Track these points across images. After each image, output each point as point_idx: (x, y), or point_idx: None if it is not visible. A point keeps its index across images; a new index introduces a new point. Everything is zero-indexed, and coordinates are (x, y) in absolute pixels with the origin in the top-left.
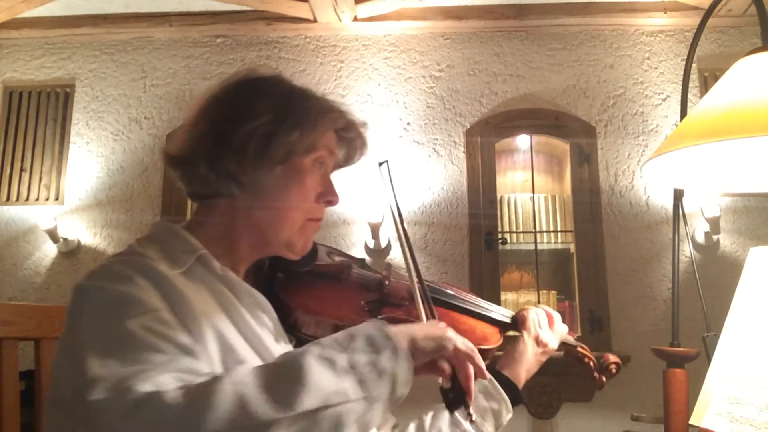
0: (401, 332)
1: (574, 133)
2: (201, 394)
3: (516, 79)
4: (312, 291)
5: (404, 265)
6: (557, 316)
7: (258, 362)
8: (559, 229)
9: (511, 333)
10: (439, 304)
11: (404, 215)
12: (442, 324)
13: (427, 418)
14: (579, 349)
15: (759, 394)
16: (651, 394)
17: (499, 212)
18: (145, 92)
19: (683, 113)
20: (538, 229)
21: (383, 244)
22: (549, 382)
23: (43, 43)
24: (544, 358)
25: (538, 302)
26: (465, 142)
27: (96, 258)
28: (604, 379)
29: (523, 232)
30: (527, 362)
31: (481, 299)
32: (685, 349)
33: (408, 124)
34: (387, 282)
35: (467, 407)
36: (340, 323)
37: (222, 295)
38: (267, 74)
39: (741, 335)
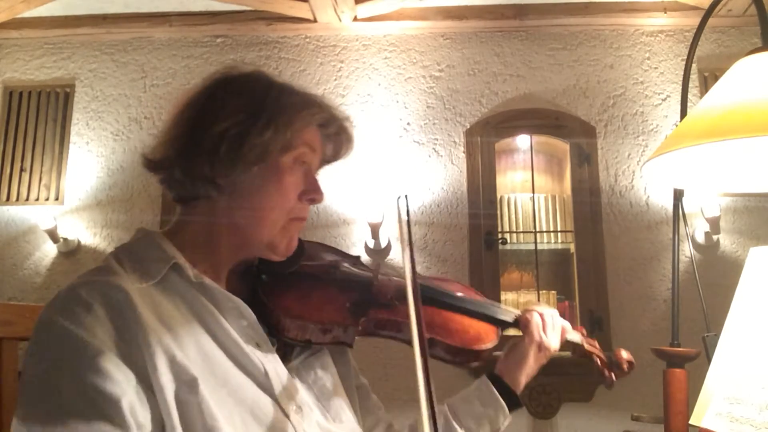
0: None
1: (574, 133)
2: None
3: (516, 79)
4: (295, 293)
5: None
6: (560, 319)
7: (236, 371)
8: (559, 229)
9: (511, 332)
10: (432, 303)
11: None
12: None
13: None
14: (586, 346)
15: (759, 394)
16: (651, 394)
17: (499, 212)
18: (145, 92)
19: (683, 113)
20: (538, 229)
21: (383, 244)
22: (549, 382)
23: (43, 43)
24: (545, 361)
25: (538, 302)
26: (465, 142)
27: (96, 258)
28: (614, 376)
29: (523, 232)
30: (528, 367)
31: (480, 296)
32: (685, 349)
33: (408, 124)
34: (374, 282)
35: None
36: (323, 326)
37: (198, 304)
38: (244, 71)
39: (741, 335)
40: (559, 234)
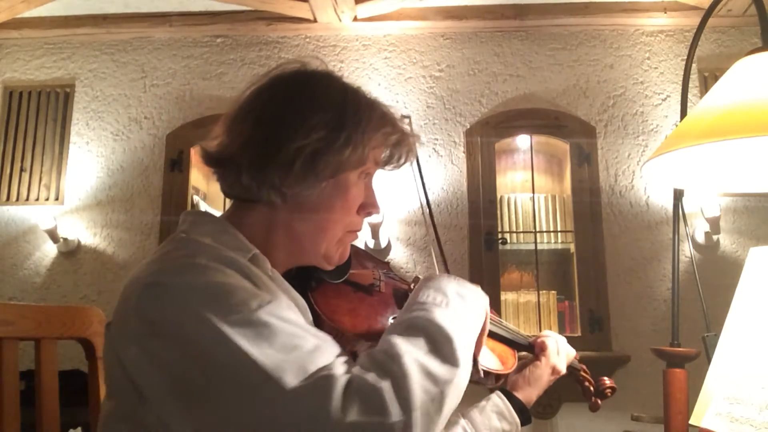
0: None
1: (574, 133)
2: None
3: (516, 79)
4: (345, 305)
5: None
6: (569, 346)
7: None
8: (559, 229)
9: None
10: None
11: (404, 216)
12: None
13: None
14: (582, 373)
15: (759, 394)
16: (651, 394)
17: (499, 212)
18: (145, 92)
19: (683, 113)
20: (538, 229)
21: (383, 244)
22: None
23: (43, 43)
24: (552, 382)
25: (538, 302)
26: (465, 142)
27: (96, 258)
28: (599, 402)
29: (523, 232)
30: (540, 387)
31: (501, 319)
32: (685, 349)
33: (408, 124)
34: None
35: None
36: (369, 341)
37: (277, 294)
38: (318, 72)
39: (741, 335)
40: (559, 234)
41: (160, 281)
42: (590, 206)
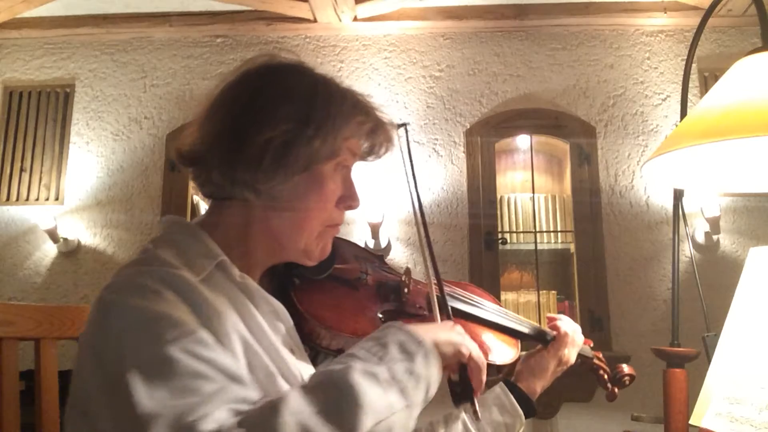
0: (426, 334)
1: (574, 133)
2: (264, 430)
3: (516, 79)
4: (329, 301)
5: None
6: (581, 336)
7: (278, 376)
8: (559, 229)
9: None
10: (459, 315)
11: (404, 216)
12: (459, 328)
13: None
14: (595, 361)
15: (759, 394)
16: (651, 394)
17: (499, 212)
18: (145, 92)
19: (683, 113)
20: (538, 229)
21: (383, 244)
22: None
23: (43, 43)
24: (560, 373)
25: (538, 302)
26: (465, 142)
27: (96, 258)
28: (616, 390)
29: (523, 232)
30: (546, 379)
31: (502, 308)
32: (685, 349)
33: (408, 124)
34: (406, 290)
35: (473, 404)
36: (356, 336)
37: (240, 304)
38: (287, 63)
39: (741, 335)
40: (559, 234)
41: (105, 297)
42: (590, 206)
